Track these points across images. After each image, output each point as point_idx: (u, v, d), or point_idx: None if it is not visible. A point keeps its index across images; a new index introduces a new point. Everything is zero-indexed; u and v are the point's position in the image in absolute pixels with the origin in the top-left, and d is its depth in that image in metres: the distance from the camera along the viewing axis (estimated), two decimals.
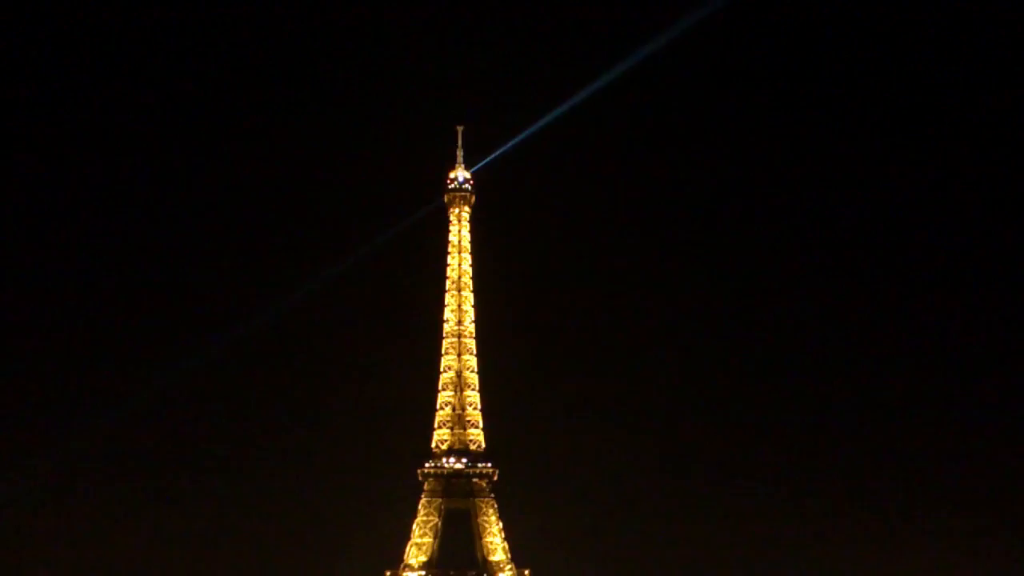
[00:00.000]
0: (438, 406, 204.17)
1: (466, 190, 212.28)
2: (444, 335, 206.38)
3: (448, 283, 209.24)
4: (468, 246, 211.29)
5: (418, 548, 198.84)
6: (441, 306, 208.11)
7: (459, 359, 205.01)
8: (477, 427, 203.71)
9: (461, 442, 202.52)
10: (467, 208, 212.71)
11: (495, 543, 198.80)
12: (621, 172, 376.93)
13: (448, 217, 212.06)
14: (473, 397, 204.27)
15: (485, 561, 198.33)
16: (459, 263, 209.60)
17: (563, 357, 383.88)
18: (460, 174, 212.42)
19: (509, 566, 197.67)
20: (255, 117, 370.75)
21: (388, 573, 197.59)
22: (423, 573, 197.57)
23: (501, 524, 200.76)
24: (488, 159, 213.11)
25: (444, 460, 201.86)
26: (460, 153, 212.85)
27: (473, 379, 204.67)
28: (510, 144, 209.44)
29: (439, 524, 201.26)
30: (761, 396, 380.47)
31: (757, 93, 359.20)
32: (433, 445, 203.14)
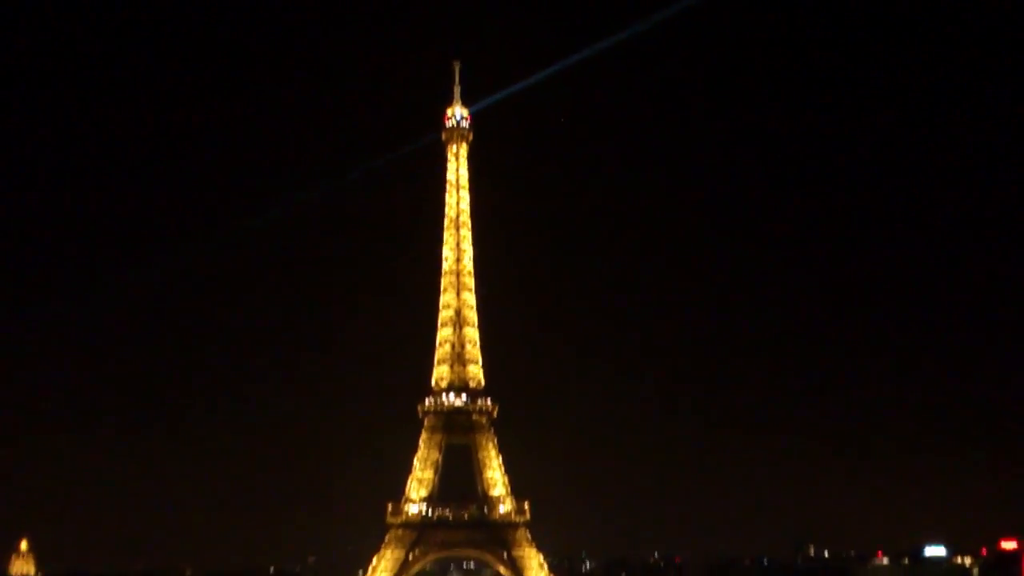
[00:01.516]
0: (437, 343, 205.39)
1: (464, 128, 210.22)
2: (443, 273, 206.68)
3: (446, 221, 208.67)
4: (466, 184, 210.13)
5: (419, 482, 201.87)
6: (439, 244, 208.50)
7: (458, 297, 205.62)
8: (476, 364, 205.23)
9: (460, 379, 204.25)
10: (465, 145, 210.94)
11: (495, 477, 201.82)
12: (621, 113, 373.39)
13: (446, 155, 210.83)
14: (472, 334, 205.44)
15: (485, 495, 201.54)
16: (457, 201, 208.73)
17: (561, 295, 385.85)
18: (458, 111, 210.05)
19: (509, 499, 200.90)
20: (255, 46, 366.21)
21: (390, 506, 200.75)
22: (424, 506, 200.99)
23: (501, 459, 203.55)
24: (488, 101, 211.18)
25: (444, 397, 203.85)
26: (457, 89, 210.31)
27: (472, 316, 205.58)
28: (511, 89, 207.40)
29: (439, 459, 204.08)
30: (752, 334, 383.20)
31: (770, 48, 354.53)
32: (433, 382, 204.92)
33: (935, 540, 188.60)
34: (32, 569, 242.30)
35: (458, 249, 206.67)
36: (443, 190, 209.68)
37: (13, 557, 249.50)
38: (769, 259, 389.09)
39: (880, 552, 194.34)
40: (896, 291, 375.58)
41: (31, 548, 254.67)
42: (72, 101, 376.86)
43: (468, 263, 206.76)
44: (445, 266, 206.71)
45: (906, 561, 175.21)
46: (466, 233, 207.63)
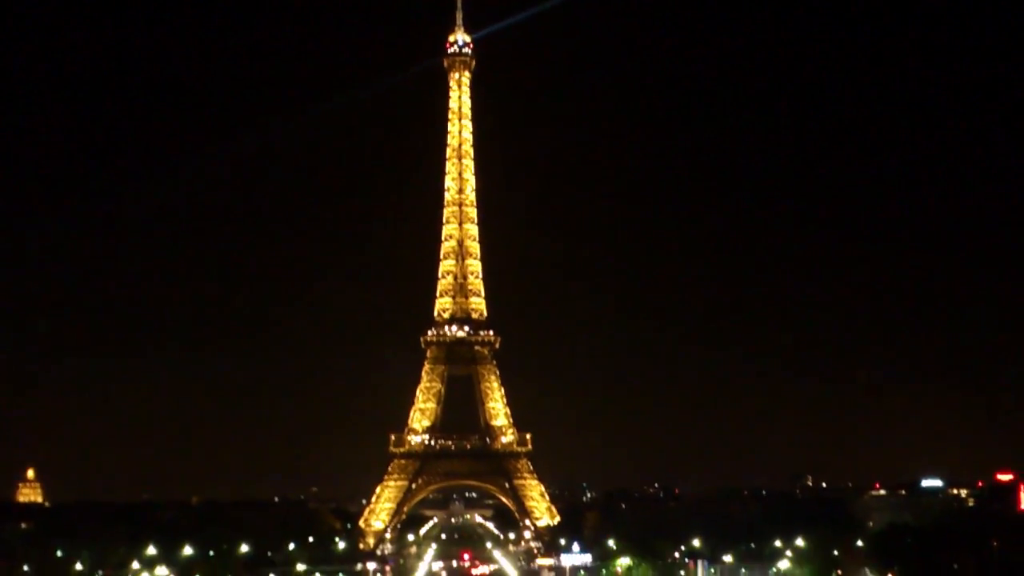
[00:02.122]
0: (440, 275, 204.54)
1: (466, 54, 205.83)
2: (445, 204, 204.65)
3: (448, 151, 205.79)
4: (468, 113, 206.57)
5: (421, 413, 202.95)
6: (442, 174, 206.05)
7: (460, 228, 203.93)
8: (479, 296, 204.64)
9: (463, 310, 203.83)
10: (467, 74, 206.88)
11: (497, 408, 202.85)
12: (624, 40, 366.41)
13: (448, 83, 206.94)
14: (475, 266, 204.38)
15: (487, 425, 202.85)
16: (459, 130, 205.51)
17: (564, 226, 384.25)
18: (460, 37, 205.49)
19: (511, 430, 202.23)
20: None
21: (393, 436, 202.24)
22: (427, 437, 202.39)
23: (503, 390, 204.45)
24: (491, 28, 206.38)
25: (446, 328, 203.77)
26: (460, 15, 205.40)
27: (475, 248, 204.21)
28: (516, 18, 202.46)
29: (442, 390, 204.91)
30: (752, 267, 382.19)
31: None
32: (435, 313, 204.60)
33: (932, 473, 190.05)
34: (39, 497, 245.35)
35: (460, 180, 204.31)
36: (445, 119, 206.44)
37: (20, 485, 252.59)
38: (772, 191, 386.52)
39: (877, 484, 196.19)
40: (899, 224, 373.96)
41: (38, 477, 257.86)
42: (64, 26, 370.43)
43: (471, 194, 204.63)
44: (447, 197, 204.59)
45: (903, 493, 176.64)
46: (468, 163, 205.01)
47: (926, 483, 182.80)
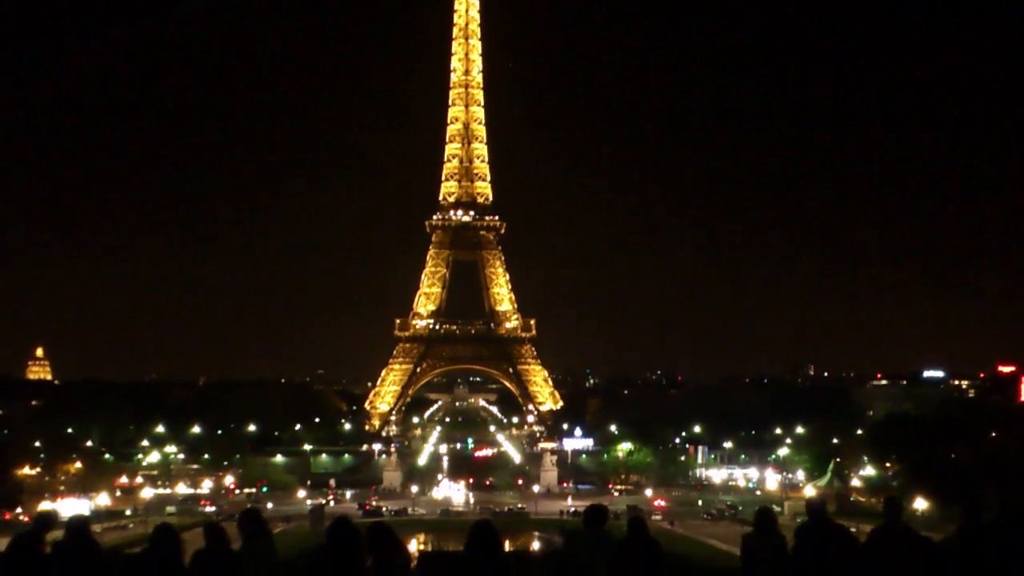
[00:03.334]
0: (445, 159, 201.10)
1: None
2: (451, 85, 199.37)
3: (455, 31, 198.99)
4: None
5: (427, 297, 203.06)
6: (448, 55, 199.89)
7: (466, 110, 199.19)
8: (484, 180, 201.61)
9: (468, 195, 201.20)
10: None
11: (502, 293, 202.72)
12: None
13: None
14: (480, 150, 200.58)
15: (492, 310, 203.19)
16: (466, 9, 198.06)
17: (571, 110, 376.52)
18: None
19: (516, 315, 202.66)
20: None
21: (398, 320, 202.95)
22: (431, 321, 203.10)
23: (508, 276, 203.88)
24: None
25: (451, 212, 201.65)
26: None
27: (481, 131, 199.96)
28: None
29: (447, 275, 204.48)
30: (754, 154, 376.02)
31: None
32: (440, 198, 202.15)
33: (933, 364, 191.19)
34: (48, 375, 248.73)
35: (467, 61, 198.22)
36: None
37: (29, 364, 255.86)
38: (775, 84, 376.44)
39: (879, 374, 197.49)
40: (906, 113, 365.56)
41: (46, 355, 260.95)
42: None
43: (477, 75, 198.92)
44: (453, 78, 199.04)
45: (904, 383, 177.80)
46: (475, 44, 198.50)
47: (927, 374, 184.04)
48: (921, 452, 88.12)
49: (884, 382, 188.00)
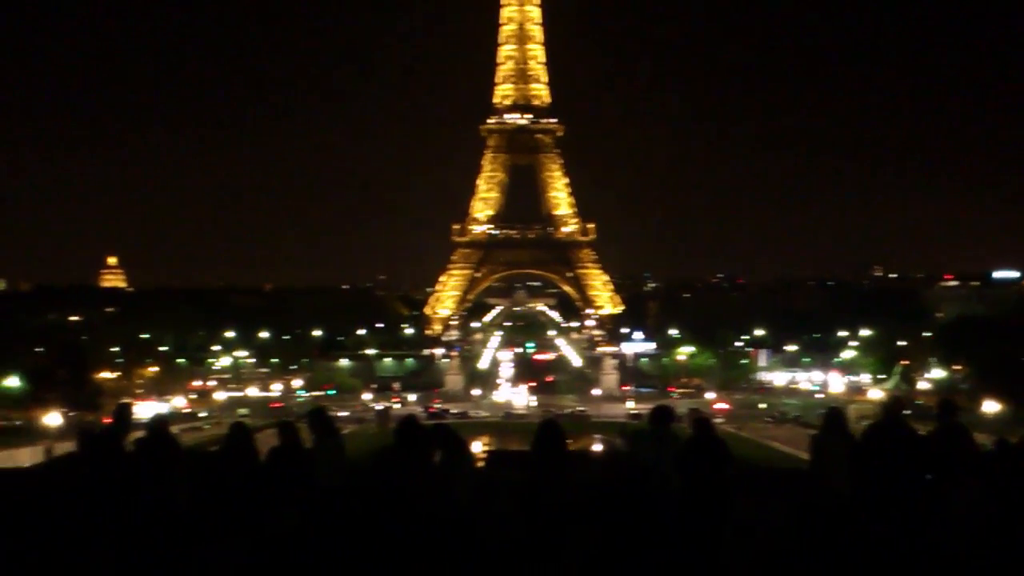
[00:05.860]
0: (500, 60, 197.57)
1: None
2: None
3: None
4: None
5: (484, 202, 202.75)
6: None
7: (521, 10, 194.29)
8: (540, 82, 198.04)
9: (524, 97, 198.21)
10: None
11: (560, 197, 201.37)
12: None
13: None
14: (536, 51, 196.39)
15: (550, 215, 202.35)
16: None
17: (630, 8, 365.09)
18: None
19: (574, 219, 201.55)
20: None
21: (455, 226, 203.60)
22: (490, 226, 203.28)
23: (567, 179, 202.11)
24: None
25: (507, 116, 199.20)
26: None
27: (536, 32, 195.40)
28: None
29: (504, 179, 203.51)
30: (821, 57, 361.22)
31: None
32: (496, 100, 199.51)
33: (1006, 264, 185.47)
34: (122, 283, 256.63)
35: None
36: None
37: (102, 272, 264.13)
38: None
39: (949, 275, 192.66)
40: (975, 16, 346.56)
41: (120, 264, 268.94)
42: None
43: None
44: None
45: (975, 284, 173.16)
46: None
47: (999, 274, 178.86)
48: (992, 354, 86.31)
49: (954, 283, 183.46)
